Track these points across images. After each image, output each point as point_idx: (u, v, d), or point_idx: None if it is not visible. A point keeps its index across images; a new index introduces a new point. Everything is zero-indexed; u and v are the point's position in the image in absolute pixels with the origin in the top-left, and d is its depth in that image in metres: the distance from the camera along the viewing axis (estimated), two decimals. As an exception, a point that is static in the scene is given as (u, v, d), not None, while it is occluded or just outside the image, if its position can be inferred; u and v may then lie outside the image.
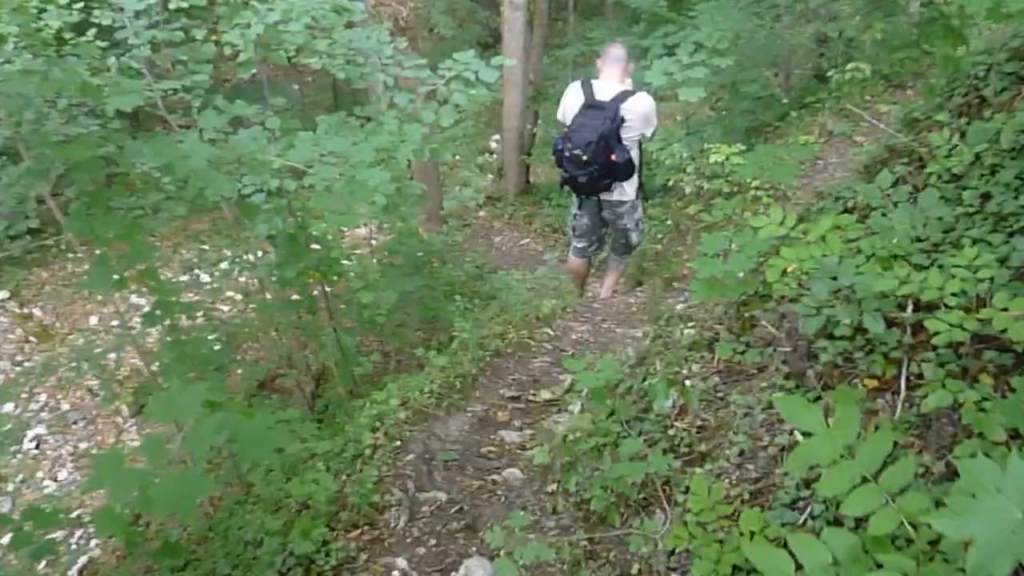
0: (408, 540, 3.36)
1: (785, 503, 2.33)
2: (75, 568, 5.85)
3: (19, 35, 4.28)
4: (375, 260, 6.71)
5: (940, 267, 2.22)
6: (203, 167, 3.57)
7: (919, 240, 2.54)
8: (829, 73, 8.40)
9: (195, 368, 4.63)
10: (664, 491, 2.79)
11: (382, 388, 4.81)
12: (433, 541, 3.34)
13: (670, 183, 8.12)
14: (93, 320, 10.20)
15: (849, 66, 7.78)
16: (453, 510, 3.54)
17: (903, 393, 2.32)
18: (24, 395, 8.80)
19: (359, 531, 3.40)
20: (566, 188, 6.03)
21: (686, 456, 2.87)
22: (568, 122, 5.73)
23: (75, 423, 8.69)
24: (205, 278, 9.05)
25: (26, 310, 10.52)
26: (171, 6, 4.80)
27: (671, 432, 3.00)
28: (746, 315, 3.19)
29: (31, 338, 9.99)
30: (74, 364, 7.08)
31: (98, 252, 3.89)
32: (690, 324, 3.73)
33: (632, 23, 12.08)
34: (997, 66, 3.17)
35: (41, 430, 8.54)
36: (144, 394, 7.47)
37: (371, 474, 3.63)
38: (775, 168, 3.28)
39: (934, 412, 2.16)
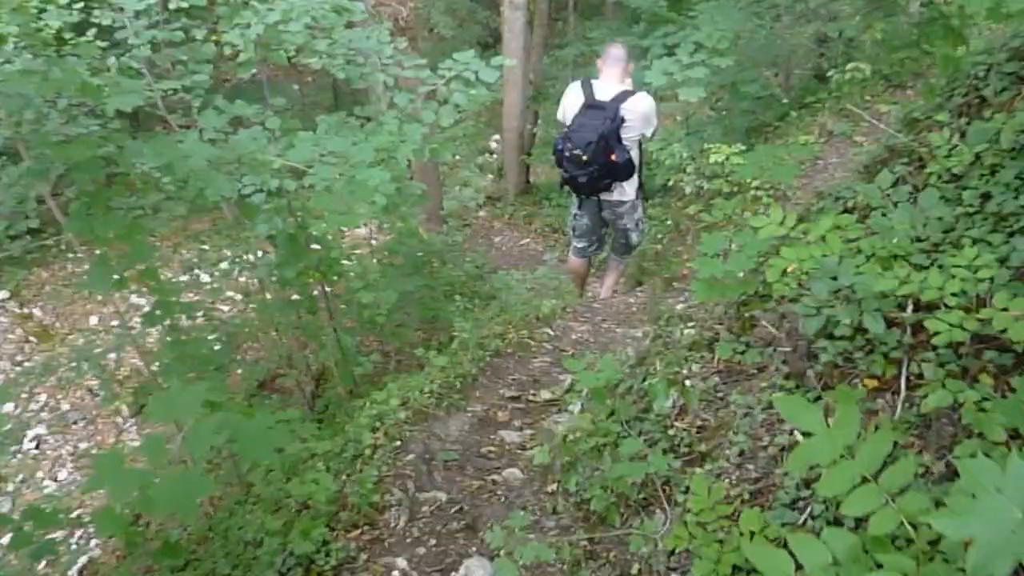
0: (408, 540, 3.36)
1: (785, 503, 2.33)
2: (75, 568, 5.85)
3: (19, 35, 4.28)
4: (375, 260, 6.71)
5: (940, 267, 2.22)
6: (203, 167, 3.57)
7: (919, 240, 2.54)
8: (829, 73, 8.40)
9: (195, 368, 4.63)
10: (664, 491, 2.79)
11: (382, 388, 4.81)
12: (433, 541, 3.34)
13: (670, 183, 8.12)
14: (93, 320, 10.20)
15: (849, 66, 7.78)
16: (453, 510, 3.54)
17: (903, 393, 2.32)
18: (24, 395, 8.80)
19: (359, 531, 3.40)
20: (566, 188, 6.03)
21: (686, 456, 2.87)
22: (568, 122, 5.73)
23: (75, 423, 8.69)
24: (205, 278, 9.05)
25: (26, 310, 10.52)
26: (171, 6, 4.80)
27: (671, 432, 3.00)
28: (746, 315, 3.19)
29: (31, 338, 9.98)
30: (74, 364, 7.08)
31: (98, 252, 3.89)
32: (690, 324, 3.73)
33: (632, 23, 12.08)
34: (997, 66, 3.17)
35: (41, 430, 8.54)
36: (144, 394, 7.47)
37: (371, 474, 3.63)
38: (775, 168, 3.29)
39: (934, 412, 2.16)
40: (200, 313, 5.42)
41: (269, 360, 7.07)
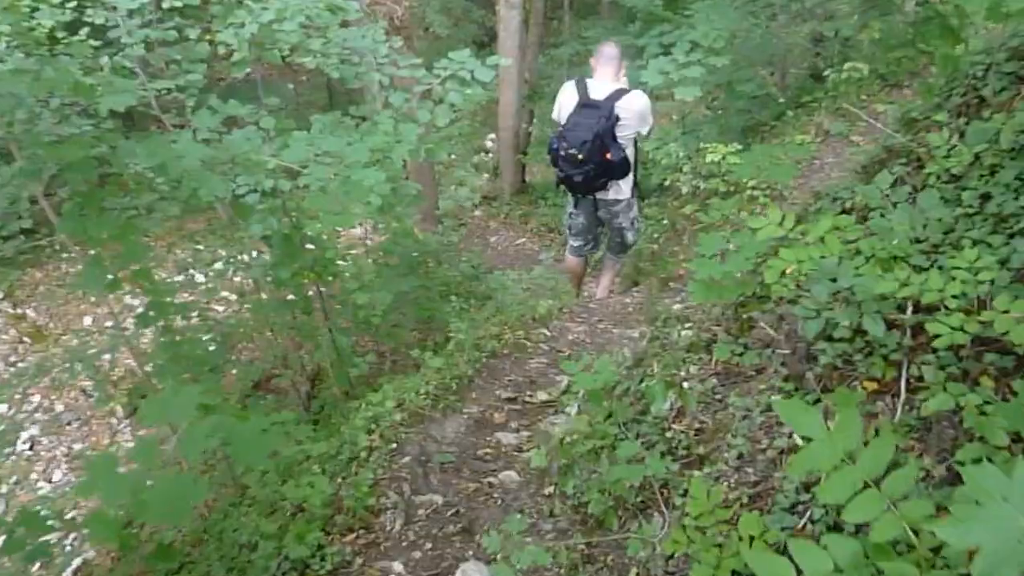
0: (404, 544, 3.33)
1: (784, 507, 2.31)
2: (69, 570, 5.82)
3: (11, 34, 4.25)
4: (370, 260, 6.68)
5: (940, 269, 2.20)
6: (197, 167, 3.55)
7: (919, 241, 2.53)
8: (825, 72, 8.40)
9: (189, 369, 4.60)
10: (662, 494, 2.77)
11: (378, 389, 4.78)
12: (429, 545, 3.31)
13: (666, 182, 8.11)
14: (87, 321, 10.16)
15: (847, 66, 7.77)
16: (449, 513, 3.51)
17: (903, 396, 2.31)
18: (18, 396, 8.76)
19: (354, 535, 3.38)
20: (562, 187, 6.02)
21: (684, 459, 2.85)
22: (563, 121, 5.72)
23: (69, 424, 8.66)
24: (200, 278, 9.01)
25: (20, 311, 10.48)
26: (164, 5, 4.77)
27: (669, 435, 2.97)
28: (744, 316, 3.17)
29: (25, 339, 9.94)
30: (68, 365, 7.04)
31: (91, 253, 3.87)
32: (687, 325, 3.71)
33: (628, 22, 12.09)
34: (996, 65, 3.16)
35: (35, 431, 8.51)
36: (138, 395, 7.45)
37: (366, 477, 3.60)
38: (772, 168, 3.27)
39: (935, 415, 2.14)
40: (195, 313, 5.40)
41: (264, 360, 7.04)
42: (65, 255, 10.87)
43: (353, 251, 7.25)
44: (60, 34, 4.68)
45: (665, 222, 8.35)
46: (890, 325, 2.35)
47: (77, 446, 8.35)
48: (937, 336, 1.99)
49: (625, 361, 3.92)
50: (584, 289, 7.03)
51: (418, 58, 4.99)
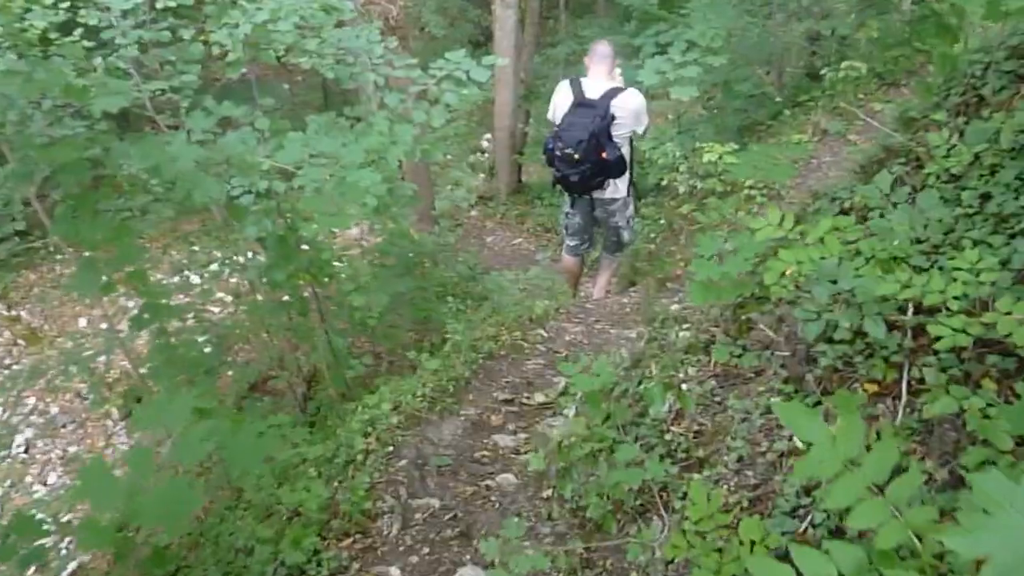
0: (401, 548, 3.30)
1: (785, 511, 2.29)
2: (65, 573, 5.78)
3: (3, 35, 4.22)
4: (366, 261, 6.65)
5: (940, 269, 2.18)
6: (191, 169, 3.52)
7: (919, 242, 2.51)
8: (822, 71, 8.38)
9: (185, 371, 4.58)
10: (661, 497, 2.75)
11: (374, 391, 4.76)
12: (426, 549, 3.28)
13: (663, 182, 8.08)
14: (82, 322, 10.11)
15: (844, 65, 7.75)
16: (447, 517, 3.48)
17: (904, 398, 2.29)
18: (12, 399, 8.72)
19: (351, 539, 3.35)
20: (558, 187, 6.01)
21: (683, 462, 2.83)
22: (558, 121, 5.70)
23: (64, 426, 8.61)
24: (195, 280, 8.98)
25: (14, 313, 10.43)
26: (158, 5, 4.75)
27: (667, 437, 2.96)
28: (742, 317, 3.15)
29: (19, 341, 9.90)
30: (63, 368, 7.01)
31: (85, 255, 3.84)
32: (685, 326, 3.69)
33: (623, 21, 12.08)
34: (995, 64, 3.14)
35: (30, 434, 8.47)
36: (134, 397, 7.42)
37: (363, 480, 3.58)
38: (770, 168, 3.25)
39: (936, 418, 2.12)
40: (190, 315, 5.37)
41: (260, 362, 7.00)
42: (60, 257, 10.82)
43: (350, 251, 7.24)
44: (53, 35, 4.65)
45: (662, 222, 8.33)
46: (890, 326, 2.33)
47: (72, 449, 8.31)
48: (939, 338, 1.97)
49: (623, 362, 3.90)
50: (581, 289, 7.02)
51: (413, 58, 4.96)
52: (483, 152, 15.66)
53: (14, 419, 8.57)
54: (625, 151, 5.71)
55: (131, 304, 8.28)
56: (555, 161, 5.69)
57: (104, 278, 3.89)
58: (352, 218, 3.57)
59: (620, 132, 5.61)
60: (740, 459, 2.61)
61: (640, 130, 5.77)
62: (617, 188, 5.86)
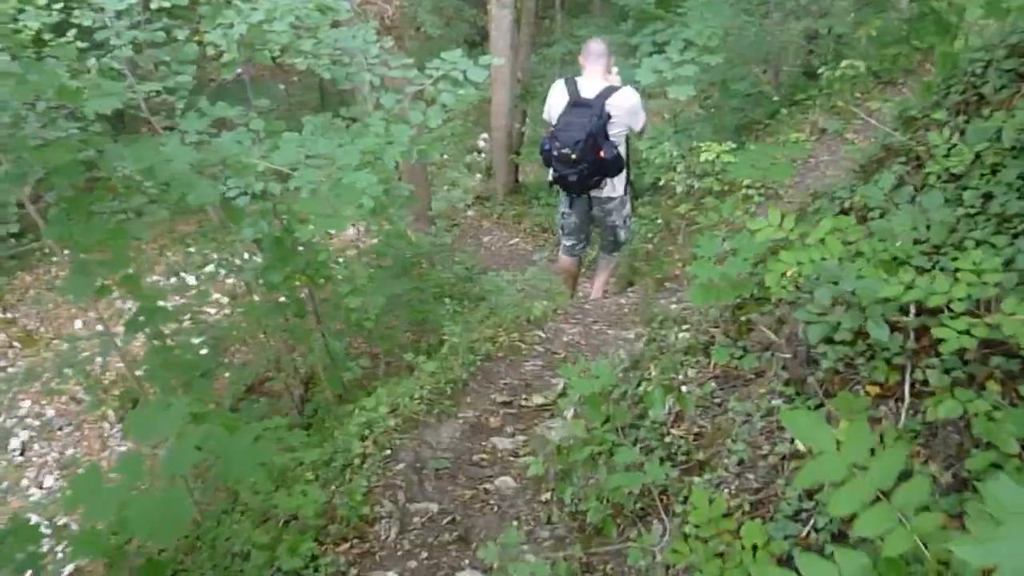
0: (399, 553, 3.27)
1: (787, 515, 2.26)
2: (61, 577, 5.74)
3: (-4, 36, 4.19)
4: (363, 262, 6.63)
5: (942, 270, 2.16)
6: (185, 171, 3.49)
7: (920, 242, 2.48)
8: (820, 70, 8.36)
9: (181, 373, 4.55)
10: (662, 501, 2.72)
11: (371, 393, 4.73)
12: (425, 554, 3.25)
13: (660, 182, 8.06)
14: (78, 324, 10.08)
15: (843, 64, 7.72)
16: (445, 521, 3.45)
17: (907, 400, 2.26)
18: (7, 401, 8.69)
19: (348, 544, 3.31)
20: (555, 187, 5.98)
21: (684, 465, 2.80)
22: (554, 121, 5.68)
23: (60, 429, 8.58)
24: (191, 281, 8.95)
25: (9, 315, 10.39)
26: (152, 6, 4.72)
27: (667, 440, 2.93)
28: (742, 318, 3.12)
29: (15, 343, 9.86)
30: (58, 370, 6.98)
31: (78, 258, 3.81)
32: (684, 327, 3.66)
33: (620, 20, 12.04)
34: (996, 63, 3.11)
35: (26, 436, 8.43)
36: (130, 399, 7.39)
37: (360, 484, 3.54)
38: (768, 167, 3.22)
39: (940, 420, 2.09)
40: (187, 317, 5.34)
41: (257, 364, 6.99)
42: (55, 259, 10.80)
43: (348, 252, 7.21)
44: (47, 36, 4.62)
45: (659, 221, 8.31)
46: (893, 328, 2.30)
47: (69, 451, 8.29)
48: (942, 341, 1.94)
49: (621, 364, 3.87)
50: (579, 289, 6.99)
51: (409, 58, 4.95)
52: (480, 152, 15.63)
53: (9, 422, 8.54)
54: (622, 150, 5.69)
55: (127, 306, 8.26)
56: (552, 161, 5.67)
57: (99, 281, 3.86)
58: (348, 219, 3.55)
59: (616, 131, 5.59)
60: (741, 462, 2.58)
61: (637, 128, 5.74)
62: (614, 187, 5.84)
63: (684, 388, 3.07)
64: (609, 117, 5.50)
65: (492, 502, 3.58)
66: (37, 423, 8.63)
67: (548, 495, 3.38)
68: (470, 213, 12.80)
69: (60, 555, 5.95)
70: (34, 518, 6.58)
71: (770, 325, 2.93)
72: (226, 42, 4.57)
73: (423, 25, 14.55)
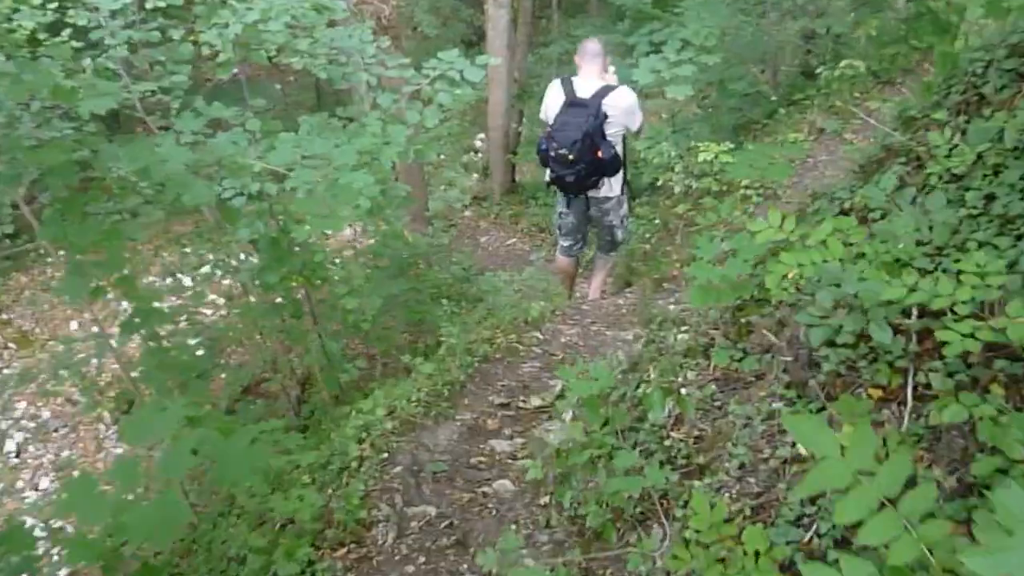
0: (397, 558, 3.24)
1: (789, 519, 2.24)
2: (57, 580, 5.71)
3: (-10, 37, 4.17)
4: (360, 263, 6.61)
5: (945, 272, 2.13)
6: (180, 172, 3.46)
7: (922, 244, 2.46)
8: (818, 70, 8.34)
9: (177, 375, 4.52)
10: (662, 505, 2.70)
11: (368, 394, 4.71)
12: (423, 559, 3.22)
13: (658, 182, 8.04)
14: (73, 325, 10.05)
15: (843, 63, 7.71)
16: (443, 525, 3.42)
17: (910, 404, 2.23)
18: (2, 403, 8.66)
19: (345, 549, 3.29)
20: (552, 187, 5.96)
21: (684, 468, 2.77)
22: (551, 121, 5.65)
23: (56, 431, 8.55)
24: (187, 282, 8.92)
25: (4, 316, 10.36)
26: (148, 6, 4.70)
27: (667, 443, 2.90)
28: (742, 320, 3.10)
29: (10, 344, 9.83)
30: (54, 372, 6.95)
31: (73, 259, 3.78)
32: (683, 328, 3.64)
33: (616, 20, 12.03)
34: (996, 63, 3.09)
35: (21, 438, 8.40)
36: (126, 401, 7.36)
37: (357, 488, 3.52)
38: (767, 167, 3.20)
39: (944, 424, 2.07)
40: (183, 317, 5.31)
41: (253, 365, 6.97)
42: (50, 260, 10.76)
43: (345, 252, 7.19)
44: (41, 36, 4.60)
45: (657, 222, 8.29)
46: (895, 330, 2.28)
47: (64, 453, 8.25)
48: (946, 343, 1.91)
49: (620, 365, 3.85)
50: (576, 290, 6.97)
51: (406, 58, 4.92)
52: (477, 152, 15.61)
53: (5, 424, 8.51)
54: (619, 149, 5.66)
55: (123, 307, 8.23)
56: (549, 162, 5.64)
57: (94, 282, 3.84)
58: (345, 220, 3.52)
59: (613, 130, 5.56)
60: (742, 466, 2.56)
61: (634, 128, 5.72)
62: (611, 187, 5.81)
63: (684, 390, 3.05)
64: (606, 117, 5.47)
65: (490, 506, 3.55)
66: (33, 425, 8.60)
67: (547, 499, 3.35)
68: (467, 213, 12.79)
69: (56, 558, 5.93)
70: (30, 520, 6.57)
71: (770, 327, 2.91)
72: (221, 42, 4.55)
73: (420, 25, 14.52)
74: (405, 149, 4.23)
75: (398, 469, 3.74)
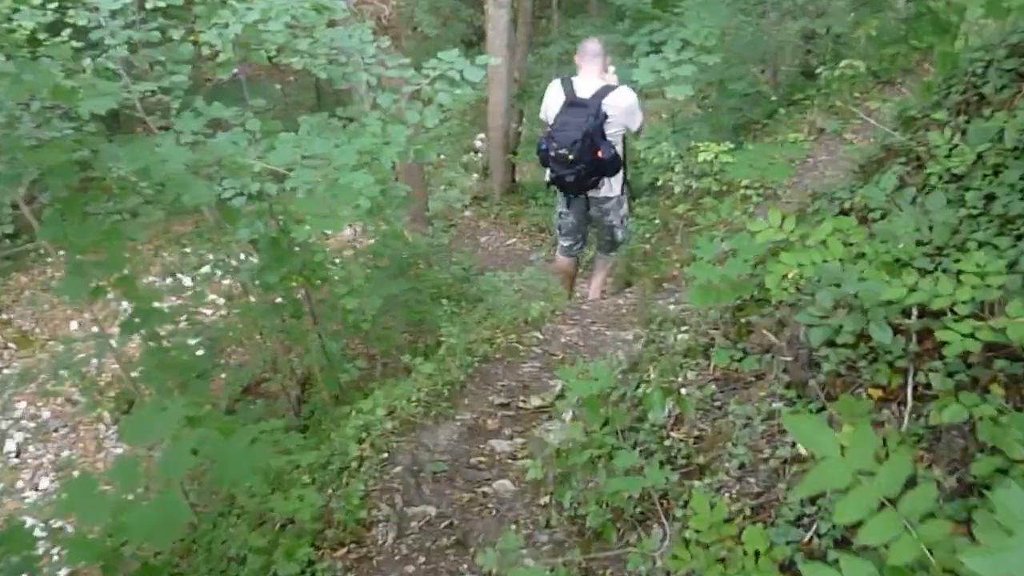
0: (397, 558, 3.24)
1: (789, 519, 2.24)
2: (57, 580, 5.71)
3: (-10, 37, 4.17)
4: (360, 263, 6.61)
5: (945, 272, 2.13)
6: (180, 172, 3.46)
7: (922, 244, 2.46)
8: (818, 70, 8.34)
9: (177, 375, 4.52)
10: (662, 505, 2.70)
11: (368, 394, 4.70)
12: (423, 559, 3.22)
13: (658, 182, 8.04)
14: (73, 326, 10.05)
15: (843, 64, 7.71)
16: (443, 525, 3.42)
17: (910, 404, 2.23)
18: (2, 403, 8.66)
19: (346, 549, 3.29)
20: (552, 187, 5.96)
21: (684, 468, 2.77)
22: (551, 121, 5.65)
23: (56, 431, 8.55)
24: (187, 282, 8.92)
25: (4, 316, 10.36)
26: (148, 5, 4.70)
27: (667, 443, 2.90)
28: (742, 320, 3.10)
29: (10, 344, 9.83)
30: (54, 372, 6.95)
31: (73, 259, 3.78)
32: (683, 328, 3.64)
33: (616, 20, 12.04)
34: (996, 63, 3.09)
35: (21, 438, 8.40)
36: (126, 401, 7.36)
37: (357, 488, 3.52)
38: (767, 167, 3.20)
39: (944, 424, 2.07)
40: (183, 317, 5.31)
41: (253, 365, 6.96)
42: (50, 260, 10.76)
43: (345, 252, 7.19)
44: (41, 36, 4.60)
45: (657, 222, 8.29)
46: (895, 330, 2.28)
47: (64, 453, 8.25)
48: (946, 343, 1.91)
49: (620, 365, 3.85)
50: (576, 290, 6.96)
51: (406, 58, 4.92)
52: (477, 152, 15.62)
53: (5, 424, 8.51)
54: (619, 149, 5.66)
55: (123, 307, 8.23)
56: (550, 162, 5.64)
57: (94, 282, 3.84)
58: (345, 220, 3.52)
59: (613, 130, 5.56)
60: (742, 466, 2.56)
61: (634, 128, 5.72)
62: (611, 187, 5.81)
63: (684, 390, 3.05)
64: (605, 117, 5.47)
65: (490, 506, 3.55)
66: (33, 425, 8.60)
67: (547, 499, 3.35)
68: (467, 213, 12.79)
69: (56, 558, 5.93)
70: (30, 520, 6.57)
71: (770, 327, 2.91)
72: (221, 42, 4.55)
73: (420, 25, 14.52)
74: (405, 149, 4.23)
75: (398, 469, 3.74)
